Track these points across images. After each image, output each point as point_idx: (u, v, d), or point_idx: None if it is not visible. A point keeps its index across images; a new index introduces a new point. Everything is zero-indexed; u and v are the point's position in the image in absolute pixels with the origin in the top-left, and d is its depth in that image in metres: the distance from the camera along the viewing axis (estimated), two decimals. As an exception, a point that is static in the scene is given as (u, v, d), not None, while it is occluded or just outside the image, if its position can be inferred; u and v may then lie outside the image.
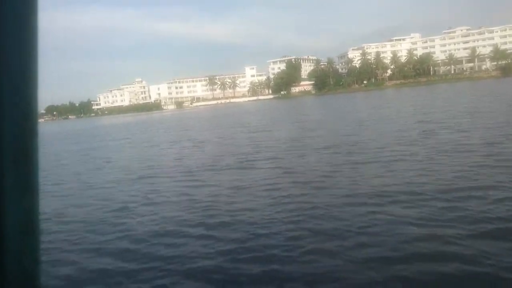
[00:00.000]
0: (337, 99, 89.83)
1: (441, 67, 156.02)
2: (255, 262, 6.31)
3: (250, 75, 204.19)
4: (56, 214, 10.49)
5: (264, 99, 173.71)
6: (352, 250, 6.36)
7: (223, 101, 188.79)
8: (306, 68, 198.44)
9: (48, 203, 11.73)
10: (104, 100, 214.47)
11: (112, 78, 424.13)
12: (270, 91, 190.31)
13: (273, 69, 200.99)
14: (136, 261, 6.83)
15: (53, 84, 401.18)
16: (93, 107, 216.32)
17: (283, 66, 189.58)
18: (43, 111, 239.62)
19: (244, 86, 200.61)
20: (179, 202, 10.69)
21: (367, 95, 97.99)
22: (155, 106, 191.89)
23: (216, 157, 18.34)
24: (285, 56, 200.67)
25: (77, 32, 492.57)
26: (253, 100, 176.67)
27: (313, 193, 10.15)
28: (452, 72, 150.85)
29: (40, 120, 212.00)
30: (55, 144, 39.99)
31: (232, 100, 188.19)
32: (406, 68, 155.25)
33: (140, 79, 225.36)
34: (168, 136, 35.74)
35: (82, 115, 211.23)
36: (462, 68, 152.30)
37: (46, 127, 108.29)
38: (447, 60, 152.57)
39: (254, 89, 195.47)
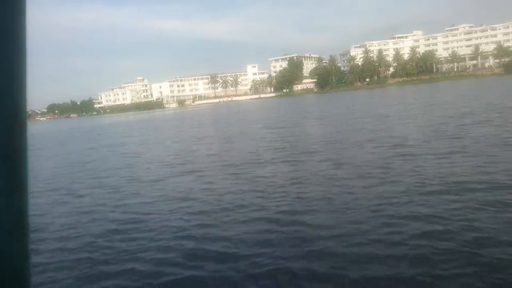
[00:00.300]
0: (341, 97, 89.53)
1: (444, 64, 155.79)
2: None
3: (252, 73, 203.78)
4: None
5: (266, 97, 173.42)
6: None
7: (225, 99, 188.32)
8: (308, 66, 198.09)
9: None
10: (106, 99, 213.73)
11: (113, 76, 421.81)
12: (272, 89, 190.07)
13: (274, 67, 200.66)
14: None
15: (54, 82, 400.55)
16: (95, 106, 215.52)
17: (284, 64, 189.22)
18: (44, 110, 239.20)
19: (246, 84, 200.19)
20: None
21: (371, 92, 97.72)
22: (157, 104, 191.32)
23: (260, 152, 18.26)
24: (286, 54, 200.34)
25: (77, 30, 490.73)
26: (255, 98, 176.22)
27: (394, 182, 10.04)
28: (455, 69, 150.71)
29: (42, 119, 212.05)
30: (70, 143, 39.79)
31: (234, 98, 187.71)
32: (408, 66, 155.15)
33: (142, 77, 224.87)
34: (189, 132, 35.32)
35: (84, 113, 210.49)
36: (465, 66, 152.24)
37: (50, 126, 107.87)
38: (450, 58, 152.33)
39: (256, 87, 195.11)
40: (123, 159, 21.43)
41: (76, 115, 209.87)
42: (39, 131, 76.07)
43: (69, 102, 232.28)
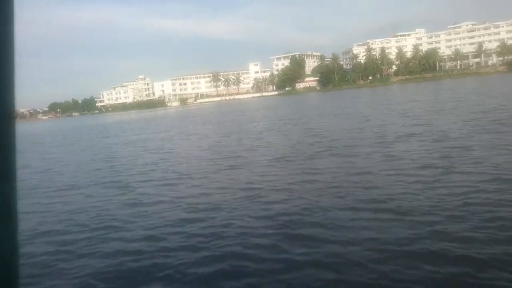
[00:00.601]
0: (347, 95, 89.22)
1: (447, 62, 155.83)
2: None
3: (254, 72, 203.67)
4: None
5: (269, 96, 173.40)
6: None
7: (227, 97, 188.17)
8: (310, 64, 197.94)
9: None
10: (108, 97, 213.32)
11: (114, 75, 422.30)
12: (274, 88, 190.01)
13: (276, 65, 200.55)
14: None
15: (55, 82, 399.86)
16: (97, 104, 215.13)
17: (287, 62, 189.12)
18: (46, 109, 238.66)
19: (248, 83, 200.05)
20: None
21: (377, 91, 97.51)
22: (159, 103, 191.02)
23: (300, 147, 18.26)
24: (288, 53, 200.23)
25: (77, 30, 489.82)
26: (257, 97, 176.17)
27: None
28: (458, 67, 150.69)
29: (44, 117, 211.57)
30: (89, 139, 39.71)
31: (236, 96, 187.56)
32: (411, 64, 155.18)
33: (143, 76, 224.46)
34: (208, 128, 35.25)
35: (86, 112, 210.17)
36: (468, 64, 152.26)
37: (54, 124, 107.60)
38: (453, 56, 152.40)
39: (258, 85, 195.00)
40: (156, 154, 21.36)
41: (78, 114, 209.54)
42: (46, 129, 75.89)
43: (71, 101, 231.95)
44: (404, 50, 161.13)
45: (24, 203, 11.77)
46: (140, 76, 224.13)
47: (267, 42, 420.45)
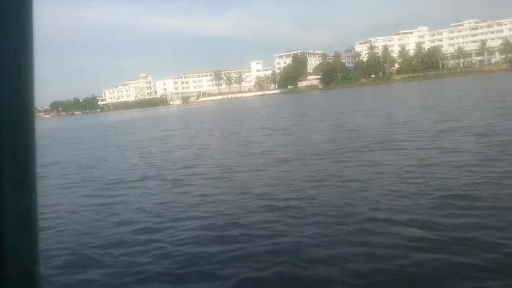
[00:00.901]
0: (351, 93, 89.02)
1: (450, 60, 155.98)
2: None
3: (255, 70, 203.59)
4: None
5: (271, 94, 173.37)
6: None
7: (229, 96, 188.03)
8: (312, 63, 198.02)
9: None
10: (110, 96, 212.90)
11: (115, 74, 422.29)
12: (276, 86, 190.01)
13: (278, 63, 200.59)
14: None
15: (56, 80, 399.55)
16: (99, 103, 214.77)
17: (288, 61, 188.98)
18: (47, 107, 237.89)
19: (250, 81, 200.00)
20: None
21: (381, 88, 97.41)
22: (161, 101, 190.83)
23: (340, 141, 18.29)
24: (290, 51, 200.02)
25: (78, 29, 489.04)
26: (259, 95, 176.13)
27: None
28: (461, 65, 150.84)
29: (46, 116, 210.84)
30: (105, 136, 39.64)
31: (238, 95, 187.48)
32: (414, 62, 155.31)
33: (145, 75, 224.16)
34: (230, 124, 35.14)
35: (88, 110, 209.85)
36: (471, 62, 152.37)
37: (59, 123, 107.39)
38: (456, 54, 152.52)
39: (260, 83, 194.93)
40: (189, 149, 21.30)
41: (80, 112, 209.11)
42: (54, 127, 75.63)
43: (72, 100, 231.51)
44: (406, 48, 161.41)
45: (96, 195, 11.78)
46: (141, 75, 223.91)
47: (267, 41, 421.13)
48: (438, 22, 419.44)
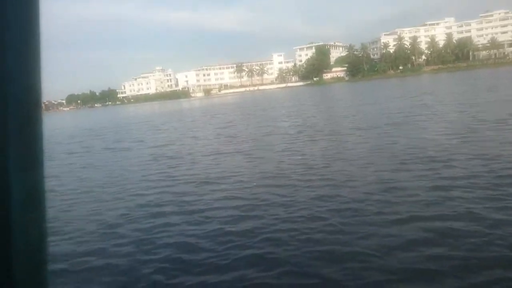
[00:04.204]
0: (384, 84, 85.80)
1: (481, 51, 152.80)
2: None
3: (277, 62, 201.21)
4: None
5: (295, 86, 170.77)
6: None
7: (251, 88, 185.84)
8: (333, 55, 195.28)
9: None
10: (130, 88, 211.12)
11: (127, 67, 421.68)
12: (297, 78, 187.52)
13: (299, 55, 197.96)
14: None
15: (68, 74, 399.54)
16: (118, 95, 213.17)
17: (310, 53, 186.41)
18: (61, 100, 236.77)
19: (272, 73, 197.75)
20: None
21: (414, 80, 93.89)
22: (183, 93, 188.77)
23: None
24: (312, 43, 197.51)
25: (89, 23, 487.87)
26: (282, 87, 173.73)
27: None
28: (493, 57, 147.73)
29: (65, 109, 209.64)
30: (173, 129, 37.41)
31: (261, 87, 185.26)
32: (443, 53, 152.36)
33: (161, 68, 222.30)
34: (309, 116, 32.61)
35: (107, 103, 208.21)
36: (504, 53, 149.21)
37: (85, 115, 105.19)
38: (488, 44, 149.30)
39: (283, 76, 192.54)
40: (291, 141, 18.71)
41: (100, 105, 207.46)
42: (92, 120, 73.54)
43: (88, 93, 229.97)
44: (436, 39, 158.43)
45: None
46: (157, 68, 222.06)
47: (274, 34, 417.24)
48: (449, 14, 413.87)
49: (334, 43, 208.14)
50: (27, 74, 0.61)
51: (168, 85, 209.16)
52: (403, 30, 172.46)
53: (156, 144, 22.90)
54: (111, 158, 19.30)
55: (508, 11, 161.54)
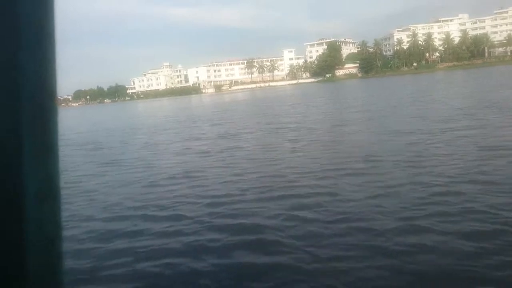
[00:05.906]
0: (401, 81, 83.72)
1: (497, 48, 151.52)
2: None
3: (288, 58, 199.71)
4: None
5: (307, 83, 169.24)
6: None
7: (262, 84, 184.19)
8: (344, 51, 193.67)
9: None
10: (139, 84, 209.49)
11: (134, 63, 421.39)
12: (309, 75, 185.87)
13: (310, 52, 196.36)
14: None
15: (75, 70, 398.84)
16: (128, 91, 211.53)
17: (320, 49, 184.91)
18: (67, 96, 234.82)
19: (282, 70, 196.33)
20: None
21: (430, 77, 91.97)
22: (194, 89, 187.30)
23: None
24: (322, 39, 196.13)
25: (93, 19, 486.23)
26: (294, 84, 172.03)
27: None
28: (509, 53, 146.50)
29: (74, 104, 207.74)
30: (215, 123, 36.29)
31: (271, 83, 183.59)
32: (458, 49, 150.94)
33: (168, 63, 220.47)
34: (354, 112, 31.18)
35: (117, 99, 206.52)
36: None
37: (98, 111, 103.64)
38: (505, 41, 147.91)
39: (294, 72, 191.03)
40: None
41: (110, 101, 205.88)
42: (114, 116, 72.21)
43: (96, 88, 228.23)
44: (450, 36, 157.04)
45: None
46: (165, 64, 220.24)
47: (279, 31, 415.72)
48: (453, 11, 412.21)
49: (345, 39, 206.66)
50: (42, 67, 0.61)
51: (178, 81, 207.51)
52: (416, 26, 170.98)
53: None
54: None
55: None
